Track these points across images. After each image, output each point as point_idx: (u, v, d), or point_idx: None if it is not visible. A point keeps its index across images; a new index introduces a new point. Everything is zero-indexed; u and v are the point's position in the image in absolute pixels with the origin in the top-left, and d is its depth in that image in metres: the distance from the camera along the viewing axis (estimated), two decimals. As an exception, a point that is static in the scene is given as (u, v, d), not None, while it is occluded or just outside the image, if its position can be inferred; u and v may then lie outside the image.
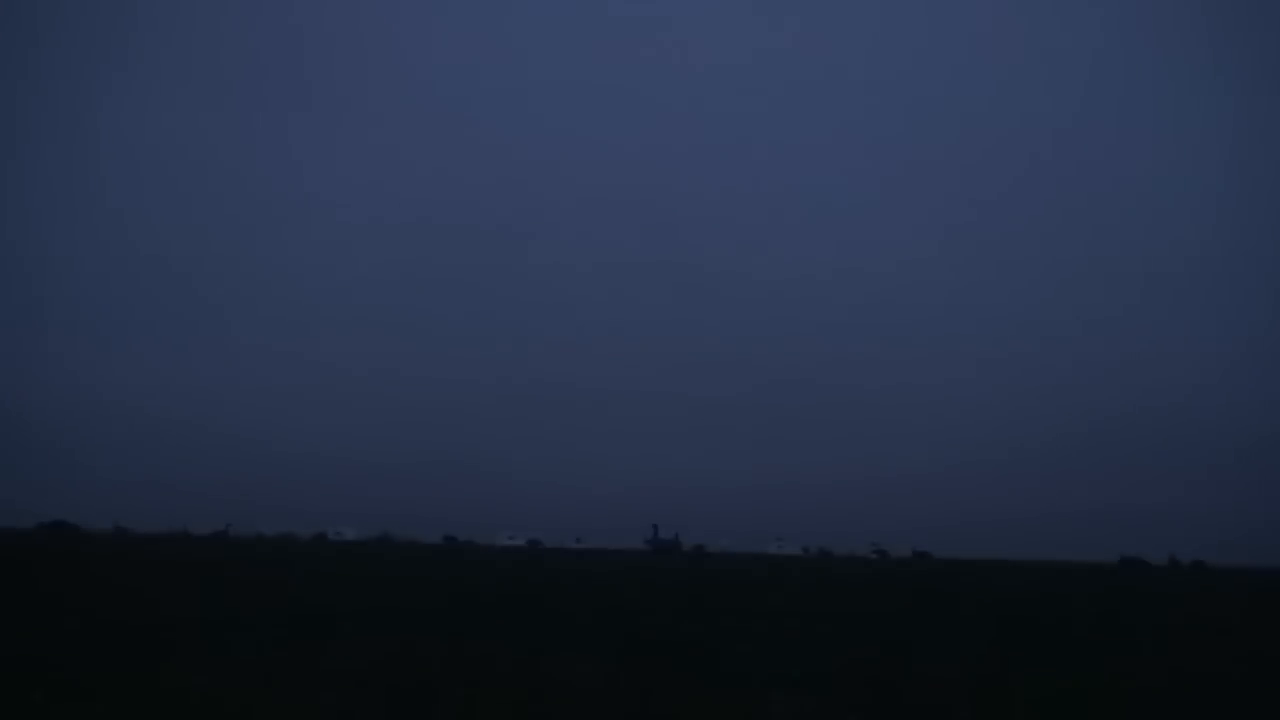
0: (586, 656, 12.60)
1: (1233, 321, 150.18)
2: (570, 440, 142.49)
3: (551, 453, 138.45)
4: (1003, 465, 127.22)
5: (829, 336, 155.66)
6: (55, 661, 11.08)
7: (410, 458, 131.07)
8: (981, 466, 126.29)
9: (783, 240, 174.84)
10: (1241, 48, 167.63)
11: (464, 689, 10.16)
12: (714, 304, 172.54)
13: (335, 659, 11.73)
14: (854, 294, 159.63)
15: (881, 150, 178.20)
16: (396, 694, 9.92)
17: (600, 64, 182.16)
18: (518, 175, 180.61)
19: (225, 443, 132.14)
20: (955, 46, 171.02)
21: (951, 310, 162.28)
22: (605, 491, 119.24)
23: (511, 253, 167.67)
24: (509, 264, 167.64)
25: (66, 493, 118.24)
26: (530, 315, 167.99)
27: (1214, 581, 50.60)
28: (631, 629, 16.55)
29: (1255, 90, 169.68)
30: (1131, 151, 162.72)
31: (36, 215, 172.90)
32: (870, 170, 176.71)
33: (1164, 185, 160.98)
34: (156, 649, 12.32)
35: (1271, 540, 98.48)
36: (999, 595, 30.78)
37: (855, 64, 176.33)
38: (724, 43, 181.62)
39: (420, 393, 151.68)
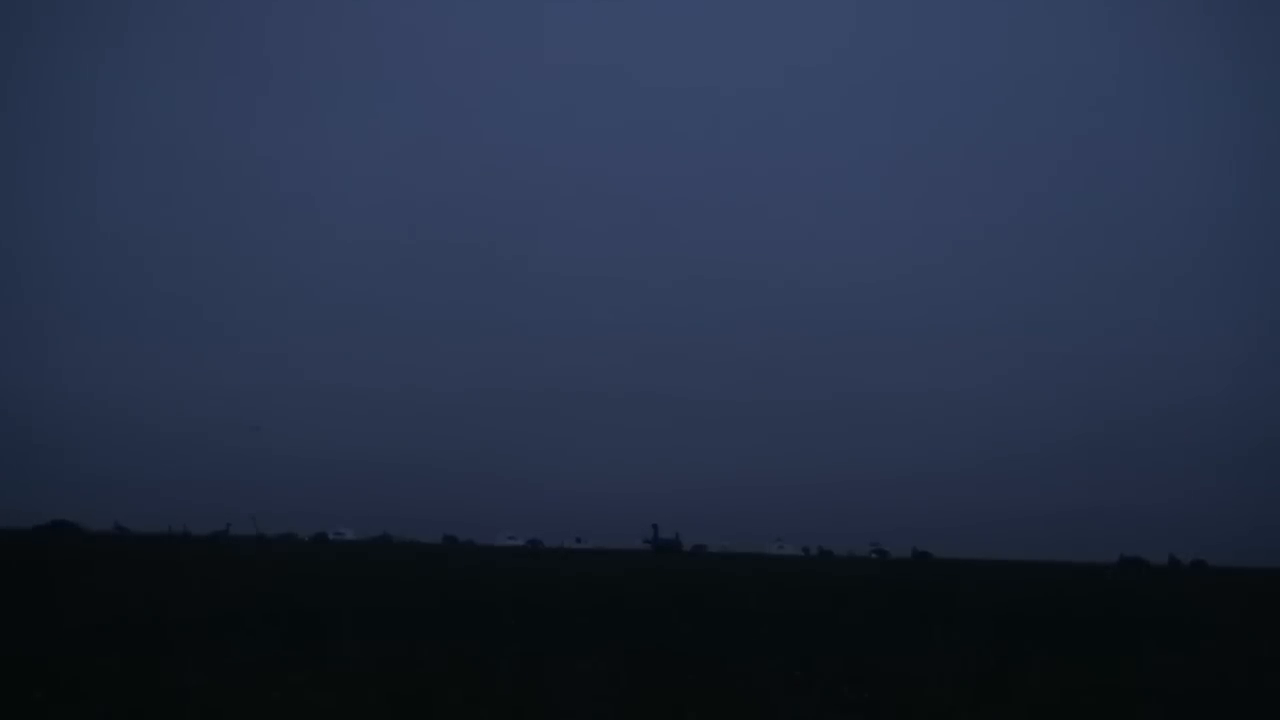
0: (586, 656, 12.59)
1: (1238, 323, 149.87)
2: (570, 440, 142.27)
3: (551, 453, 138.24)
4: (1003, 465, 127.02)
5: (830, 337, 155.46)
6: (55, 661, 11.08)
7: (410, 458, 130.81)
8: (982, 466, 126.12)
9: (786, 242, 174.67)
10: (1260, 51, 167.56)
11: (464, 689, 10.16)
12: (715, 304, 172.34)
13: (335, 660, 11.73)
14: (857, 296, 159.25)
15: (887, 151, 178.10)
16: (396, 694, 9.92)
17: (603, 61, 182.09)
18: (516, 173, 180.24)
19: (225, 443, 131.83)
20: (977, 55, 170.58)
21: (954, 311, 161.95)
22: (605, 491, 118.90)
23: (510, 251, 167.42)
24: (508, 263, 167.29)
25: (66, 493, 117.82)
26: (530, 315, 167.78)
27: (1214, 581, 50.59)
28: (631, 629, 16.56)
29: (1272, 94, 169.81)
30: (1149, 156, 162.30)
31: (34, 215, 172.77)
32: (877, 172, 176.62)
33: (1177, 188, 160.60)
34: (156, 649, 12.32)
35: (1271, 540, 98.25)
36: (999, 595, 30.78)
37: (876, 76, 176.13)
38: (742, 55, 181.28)
39: (419, 392, 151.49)
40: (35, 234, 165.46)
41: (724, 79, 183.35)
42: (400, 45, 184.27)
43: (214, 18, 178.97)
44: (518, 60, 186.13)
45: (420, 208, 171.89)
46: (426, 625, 16.01)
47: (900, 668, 12.62)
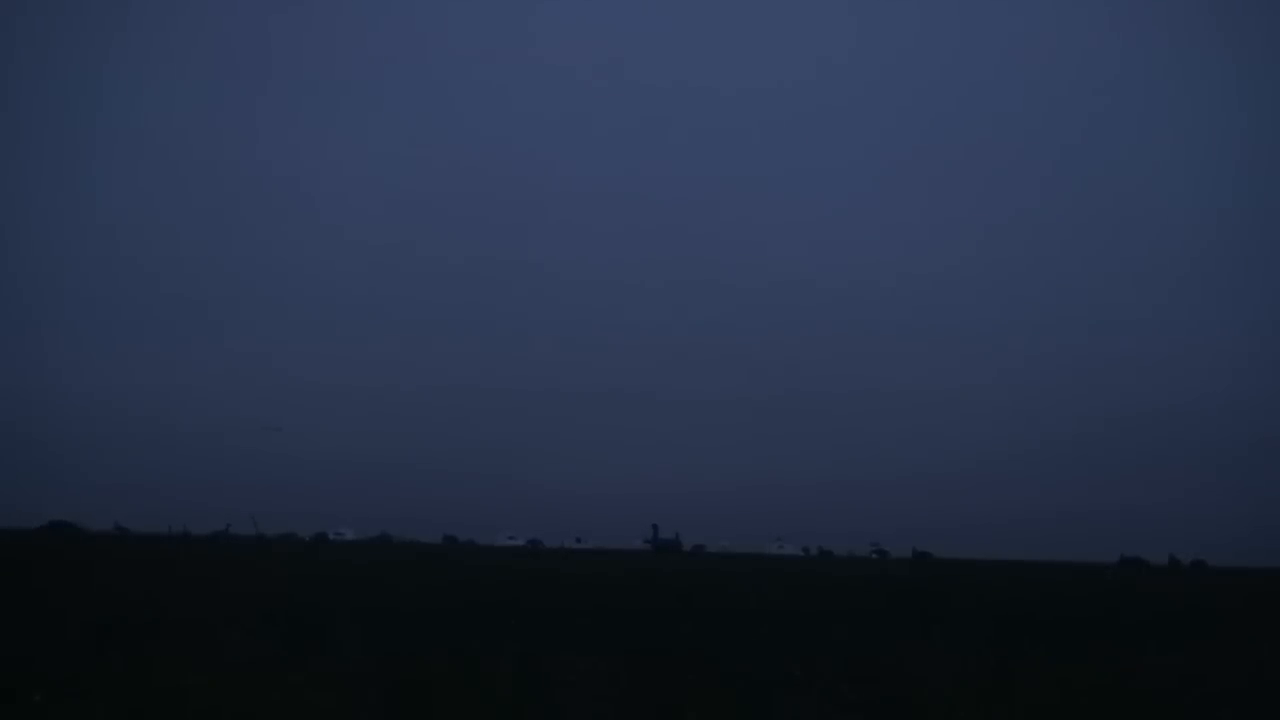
0: (586, 656, 12.60)
1: (1237, 323, 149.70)
2: (570, 440, 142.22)
3: (551, 453, 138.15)
4: (1003, 465, 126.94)
5: (830, 337, 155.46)
6: (55, 661, 11.08)
7: (410, 458, 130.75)
8: (982, 466, 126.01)
9: (785, 242, 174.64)
10: (1261, 50, 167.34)
11: (464, 689, 10.16)
12: (715, 303, 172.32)
13: (335, 660, 11.72)
14: (857, 296, 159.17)
15: (886, 152, 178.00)
16: (396, 695, 9.92)
17: (604, 61, 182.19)
18: (513, 171, 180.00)
19: (224, 443, 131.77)
20: (980, 55, 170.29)
21: (954, 311, 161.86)
22: (605, 491, 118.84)
23: (509, 250, 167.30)
24: (507, 262, 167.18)
25: (66, 493, 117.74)
26: (529, 314, 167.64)
27: (1214, 581, 50.60)
28: (631, 629, 16.56)
29: (1273, 93, 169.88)
30: (1149, 156, 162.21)
31: (33, 215, 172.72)
32: (877, 173, 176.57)
33: (1176, 188, 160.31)
34: (155, 649, 12.31)
35: (1271, 540, 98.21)
36: (999, 595, 30.78)
37: (877, 78, 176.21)
38: (744, 55, 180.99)
39: (419, 392, 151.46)
40: (35, 234, 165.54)
41: (725, 79, 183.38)
42: (399, 45, 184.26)
43: (213, 18, 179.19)
44: (517, 61, 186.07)
45: (420, 208, 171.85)
46: (426, 625, 16.00)
47: (900, 668, 12.62)
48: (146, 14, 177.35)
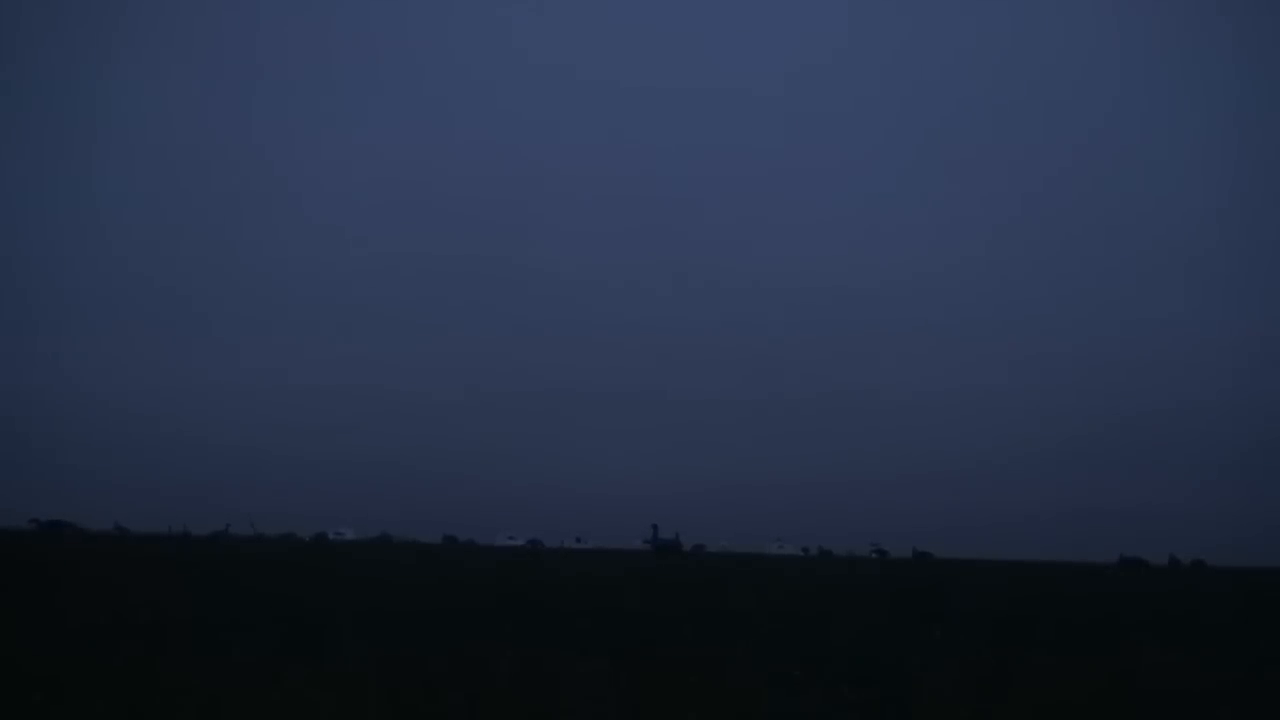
0: (586, 657, 12.59)
1: (1237, 323, 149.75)
2: (570, 440, 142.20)
3: (551, 453, 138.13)
4: (1003, 465, 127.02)
5: (831, 337, 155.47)
6: (55, 662, 11.07)
7: (410, 458, 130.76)
8: (982, 466, 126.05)
9: (784, 243, 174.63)
10: (1265, 53, 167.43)
11: (464, 690, 10.16)
12: (715, 303, 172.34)
13: (335, 660, 11.72)
14: (857, 297, 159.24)
15: (886, 155, 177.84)
16: (397, 695, 9.93)
17: (603, 64, 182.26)
18: (513, 170, 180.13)
19: (224, 443, 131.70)
20: (987, 50, 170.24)
21: (954, 312, 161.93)
22: (605, 491, 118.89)
23: (509, 250, 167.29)
24: (507, 262, 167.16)
25: (66, 493, 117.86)
26: (530, 315, 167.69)
27: (1214, 581, 50.59)
28: (631, 629, 16.55)
29: (1276, 93, 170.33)
30: (1152, 157, 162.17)
31: (33, 214, 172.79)
32: (878, 176, 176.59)
33: (1178, 189, 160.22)
34: (156, 649, 12.31)
35: (1271, 540, 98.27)
36: (999, 595, 30.77)
37: (880, 80, 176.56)
38: (749, 54, 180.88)
39: (419, 392, 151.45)
40: (35, 234, 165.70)
41: (728, 78, 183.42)
42: (401, 45, 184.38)
43: (214, 20, 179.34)
44: (519, 62, 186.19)
45: (419, 208, 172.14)
46: (427, 625, 16.00)
47: (900, 668, 12.62)
48: (146, 15, 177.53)
